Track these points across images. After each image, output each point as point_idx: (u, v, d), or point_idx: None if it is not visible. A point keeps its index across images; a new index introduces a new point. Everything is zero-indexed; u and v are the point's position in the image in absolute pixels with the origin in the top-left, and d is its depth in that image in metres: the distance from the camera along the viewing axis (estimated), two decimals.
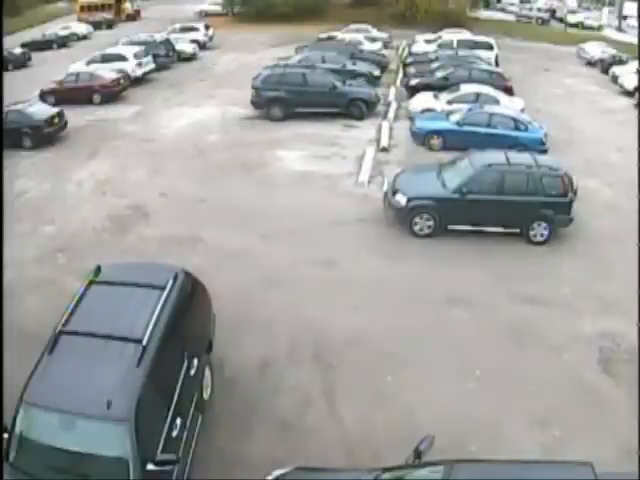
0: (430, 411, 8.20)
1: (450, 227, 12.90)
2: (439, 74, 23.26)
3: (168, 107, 23.49)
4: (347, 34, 35.70)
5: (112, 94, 24.21)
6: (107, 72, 24.91)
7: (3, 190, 14.11)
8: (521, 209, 12.60)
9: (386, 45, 35.42)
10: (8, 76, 26.92)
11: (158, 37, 33.05)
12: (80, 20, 48.03)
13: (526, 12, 54.37)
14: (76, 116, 21.07)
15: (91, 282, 7.58)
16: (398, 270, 11.71)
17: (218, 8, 51.46)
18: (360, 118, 21.09)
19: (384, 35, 37.44)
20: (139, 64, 27.25)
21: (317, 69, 22.25)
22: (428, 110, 19.74)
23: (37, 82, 25.47)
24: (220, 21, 46.50)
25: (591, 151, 18.53)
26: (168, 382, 6.86)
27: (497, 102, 19.29)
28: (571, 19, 50.24)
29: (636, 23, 48.14)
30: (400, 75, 27.12)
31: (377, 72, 25.97)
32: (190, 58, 33.22)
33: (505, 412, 8.27)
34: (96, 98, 23.81)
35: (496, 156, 13.29)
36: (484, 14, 50.54)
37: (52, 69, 29.28)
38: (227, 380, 8.71)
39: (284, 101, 20.91)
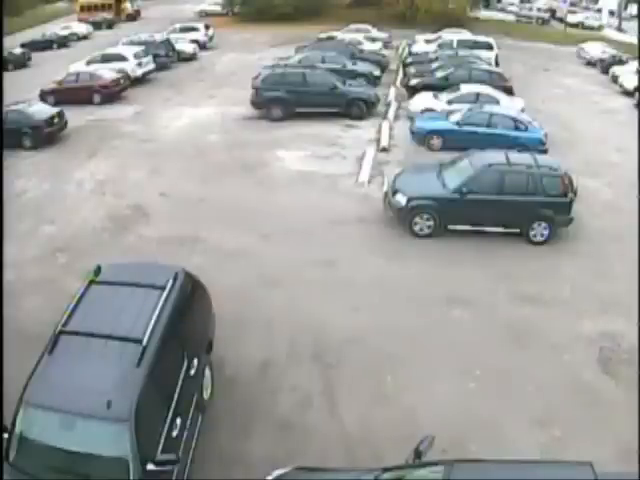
0: (430, 411, 8.20)
1: (450, 227, 12.90)
2: (439, 74, 23.27)
3: (168, 107, 23.49)
4: (347, 34, 35.67)
5: (112, 94, 24.21)
6: (107, 72, 24.91)
7: (3, 190, 14.12)
8: (521, 209, 12.59)
9: (386, 45, 35.39)
10: (8, 76, 26.95)
11: (158, 37, 33.09)
12: (80, 20, 48.06)
13: (526, 12, 54.36)
14: (76, 116, 21.07)
15: (91, 282, 7.58)
16: (398, 270, 11.70)
17: (218, 8, 51.52)
18: (360, 118, 21.08)
19: (384, 35, 37.41)
20: (139, 64, 27.26)
21: (317, 69, 22.25)
22: (428, 110, 19.73)
23: (37, 82, 25.46)
24: (220, 21, 46.51)
25: (591, 151, 18.53)
26: (168, 382, 6.86)
27: (497, 102, 19.28)
28: (571, 19, 50.23)
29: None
30: (400, 75, 27.10)
31: (377, 72, 25.96)
32: (190, 58, 33.22)
33: (505, 412, 8.27)
34: (96, 98, 23.81)
35: (496, 156, 13.29)
36: (484, 14, 50.47)
37: (52, 69, 29.30)
38: (227, 380, 8.71)
39: (284, 101, 20.89)
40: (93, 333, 6.70)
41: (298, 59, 25.66)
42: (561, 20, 50.37)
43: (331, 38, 34.49)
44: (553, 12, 55.09)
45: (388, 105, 22.80)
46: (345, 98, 21.07)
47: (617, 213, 14.21)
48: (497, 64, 27.93)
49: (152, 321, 6.86)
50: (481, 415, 8.17)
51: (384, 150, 18.16)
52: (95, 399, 6.05)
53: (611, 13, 56.53)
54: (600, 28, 51.93)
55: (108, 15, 49.57)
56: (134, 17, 52.38)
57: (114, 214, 14.11)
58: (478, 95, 19.53)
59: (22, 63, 34.16)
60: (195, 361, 7.56)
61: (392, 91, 24.65)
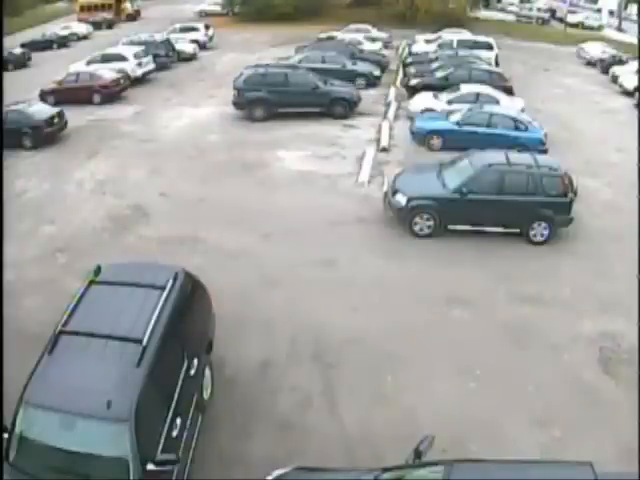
0: (430, 411, 8.21)
1: (450, 227, 12.90)
2: (439, 74, 23.28)
3: (168, 107, 23.49)
4: (347, 34, 35.70)
5: (112, 94, 24.20)
6: (107, 72, 24.91)
7: (3, 190, 14.12)
8: (521, 209, 12.59)
9: (386, 45, 35.43)
10: (8, 76, 26.94)
11: (158, 37, 33.06)
12: (80, 20, 48.04)
13: (526, 12, 54.39)
14: (76, 116, 21.07)
15: (91, 282, 7.58)
16: (398, 270, 11.70)
17: (218, 8, 51.52)
18: (344, 117, 21.07)
19: (384, 35, 37.44)
20: (139, 64, 27.26)
21: (299, 69, 22.24)
22: (428, 110, 19.73)
23: (37, 82, 25.47)
24: (220, 21, 46.50)
25: (591, 151, 18.54)
26: (168, 382, 6.86)
27: (497, 102, 19.28)
28: (571, 19, 50.25)
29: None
30: (400, 75, 27.11)
31: (377, 72, 26.00)
32: (190, 58, 33.22)
33: (505, 412, 8.27)
34: (96, 98, 23.80)
35: (496, 156, 13.29)
36: (484, 14, 50.46)
37: (52, 69, 29.30)
38: (227, 380, 8.71)
39: (266, 101, 20.85)
40: (93, 333, 6.69)
41: (298, 59, 25.67)
42: (561, 20, 50.40)
43: (331, 38, 34.51)
44: (553, 12, 55.13)
45: (388, 105, 22.80)
46: (327, 98, 21.07)
47: (617, 213, 14.21)
48: (497, 64, 27.93)
49: (152, 321, 6.85)
50: (481, 415, 8.16)
51: (384, 150, 18.15)
52: (95, 399, 6.05)
53: (611, 13, 56.56)
54: (600, 28, 51.96)
55: (108, 15, 49.54)
56: (134, 17, 52.34)
57: (114, 214, 14.11)
58: (478, 95, 19.53)
59: (22, 63, 34.15)
60: (195, 361, 7.56)
61: (392, 91, 24.64)
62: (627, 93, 26.71)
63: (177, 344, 7.20)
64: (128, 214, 14.13)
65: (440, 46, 30.53)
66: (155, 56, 28.97)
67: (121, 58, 27.03)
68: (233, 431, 7.87)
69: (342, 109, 21.19)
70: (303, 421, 8.12)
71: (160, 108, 23.34)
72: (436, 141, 17.94)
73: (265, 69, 21.79)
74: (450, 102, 19.57)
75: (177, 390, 6.91)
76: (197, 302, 8.30)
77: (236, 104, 21.38)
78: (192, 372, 7.42)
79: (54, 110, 20.03)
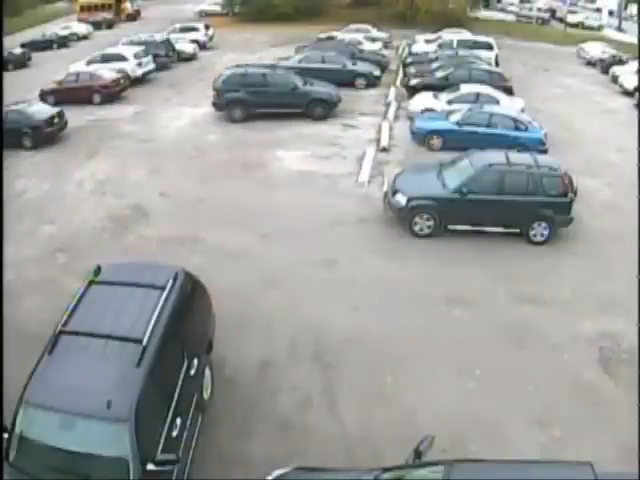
0: (430, 411, 8.20)
1: (450, 227, 12.90)
2: (439, 74, 23.28)
3: (168, 107, 23.49)
4: (347, 34, 35.70)
5: (112, 94, 24.20)
6: (107, 72, 24.91)
7: (3, 190, 14.12)
8: (521, 209, 12.59)
9: (386, 45, 35.44)
10: (8, 76, 26.94)
11: (158, 37, 33.06)
12: (80, 20, 48.05)
13: (526, 12, 54.44)
14: (76, 116, 21.07)
15: (91, 282, 7.58)
16: (398, 270, 11.70)
17: (218, 8, 51.55)
18: (323, 118, 20.96)
19: (384, 35, 37.45)
20: (139, 64, 27.25)
21: (278, 69, 22.20)
22: (428, 110, 19.73)
23: (37, 82, 25.47)
24: (220, 21, 46.50)
25: (591, 151, 18.53)
26: (168, 382, 6.86)
27: (497, 102, 19.28)
28: (571, 19, 50.25)
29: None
30: (400, 75, 27.11)
31: (377, 72, 26.00)
32: (190, 58, 33.21)
33: (505, 412, 8.27)
34: (96, 98, 23.80)
35: (496, 156, 13.29)
36: (484, 14, 50.46)
37: (52, 69, 29.31)
38: (227, 380, 8.71)
39: (245, 102, 20.80)
40: (93, 333, 6.70)
41: (298, 59, 25.70)
42: (561, 20, 50.43)
43: (331, 38, 34.52)
44: (553, 12, 55.17)
45: (388, 105, 22.79)
46: (306, 98, 20.95)
47: (617, 213, 14.21)
48: (497, 64, 27.94)
49: (152, 321, 6.86)
50: (481, 415, 8.16)
51: (384, 150, 18.15)
52: (95, 399, 6.05)
53: (611, 13, 56.60)
54: (600, 28, 51.98)
55: (108, 15, 49.54)
56: (134, 17, 52.35)
57: (114, 214, 14.11)
58: (478, 95, 19.52)
59: (22, 63, 34.16)
60: (195, 361, 7.57)
61: (392, 91, 24.65)
62: (627, 93, 26.70)
63: (177, 344, 7.20)
64: (128, 214, 14.13)
65: (440, 46, 30.53)
66: (155, 56, 28.96)
67: (121, 58, 27.02)
68: (233, 431, 7.87)
69: (321, 110, 21.02)
70: (303, 421, 8.12)
71: (160, 108, 23.34)
72: (436, 141, 17.93)
73: (244, 69, 21.70)
74: (450, 102, 19.57)
75: (177, 390, 6.91)
76: (197, 302, 8.30)
77: (215, 105, 21.36)
78: (192, 372, 7.42)
79: (54, 110, 20.03)
